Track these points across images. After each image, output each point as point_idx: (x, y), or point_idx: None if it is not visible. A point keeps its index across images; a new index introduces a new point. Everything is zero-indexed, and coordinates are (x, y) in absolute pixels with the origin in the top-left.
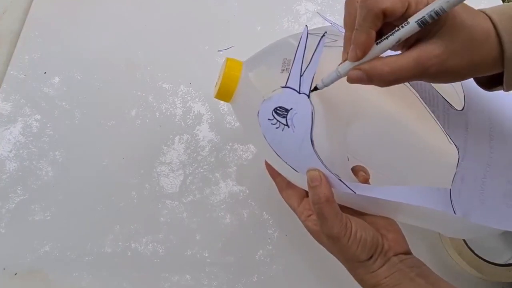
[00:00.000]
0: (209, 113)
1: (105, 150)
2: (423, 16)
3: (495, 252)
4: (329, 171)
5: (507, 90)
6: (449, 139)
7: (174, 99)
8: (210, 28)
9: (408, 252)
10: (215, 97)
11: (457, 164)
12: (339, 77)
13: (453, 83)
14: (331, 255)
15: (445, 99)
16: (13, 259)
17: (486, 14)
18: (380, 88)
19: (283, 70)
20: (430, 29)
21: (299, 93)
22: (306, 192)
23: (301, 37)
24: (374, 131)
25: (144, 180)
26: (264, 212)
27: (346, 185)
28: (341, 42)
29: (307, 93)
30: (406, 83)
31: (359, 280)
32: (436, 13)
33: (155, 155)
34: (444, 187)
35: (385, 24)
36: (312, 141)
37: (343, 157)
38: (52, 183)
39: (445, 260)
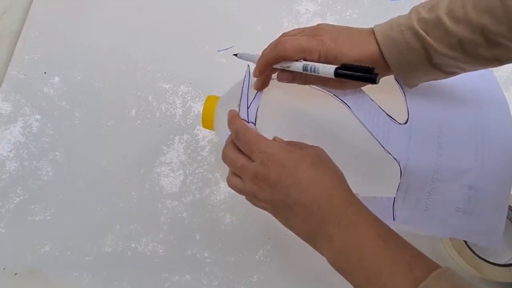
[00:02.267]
0: None
1: (105, 150)
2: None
3: (495, 252)
4: None
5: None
6: (389, 153)
7: (174, 99)
8: (210, 28)
9: None
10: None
11: (401, 175)
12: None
13: (396, 99)
14: None
15: (388, 114)
16: (13, 259)
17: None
18: (327, 109)
19: (238, 104)
20: None
21: (248, 122)
22: None
23: (245, 75)
24: (324, 148)
25: (144, 180)
26: (264, 212)
27: None
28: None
29: (254, 122)
30: (349, 106)
31: (342, 202)
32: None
33: (155, 155)
34: (391, 195)
35: None
36: None
37: None
38: (52, 183)
39: (445, 260)
